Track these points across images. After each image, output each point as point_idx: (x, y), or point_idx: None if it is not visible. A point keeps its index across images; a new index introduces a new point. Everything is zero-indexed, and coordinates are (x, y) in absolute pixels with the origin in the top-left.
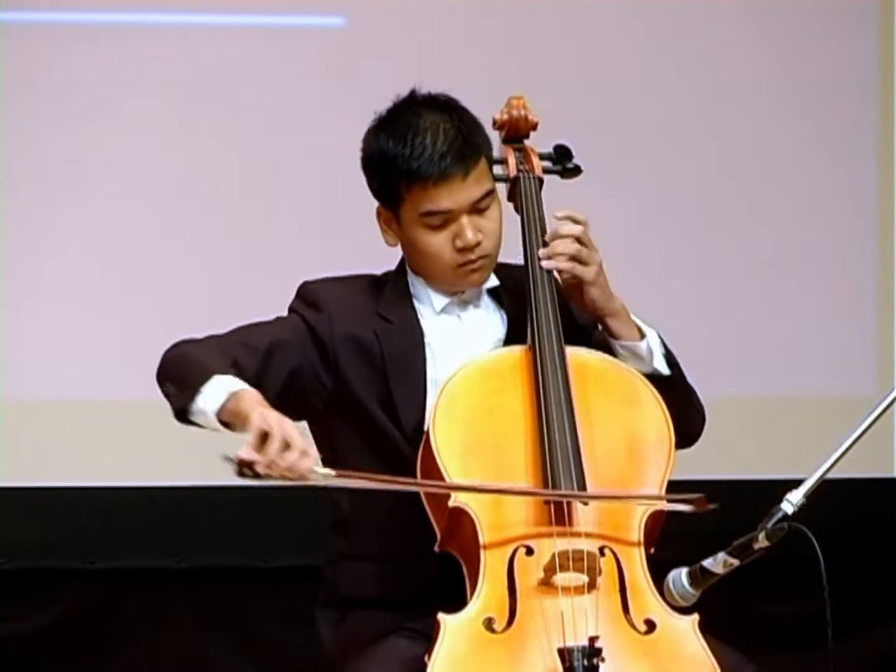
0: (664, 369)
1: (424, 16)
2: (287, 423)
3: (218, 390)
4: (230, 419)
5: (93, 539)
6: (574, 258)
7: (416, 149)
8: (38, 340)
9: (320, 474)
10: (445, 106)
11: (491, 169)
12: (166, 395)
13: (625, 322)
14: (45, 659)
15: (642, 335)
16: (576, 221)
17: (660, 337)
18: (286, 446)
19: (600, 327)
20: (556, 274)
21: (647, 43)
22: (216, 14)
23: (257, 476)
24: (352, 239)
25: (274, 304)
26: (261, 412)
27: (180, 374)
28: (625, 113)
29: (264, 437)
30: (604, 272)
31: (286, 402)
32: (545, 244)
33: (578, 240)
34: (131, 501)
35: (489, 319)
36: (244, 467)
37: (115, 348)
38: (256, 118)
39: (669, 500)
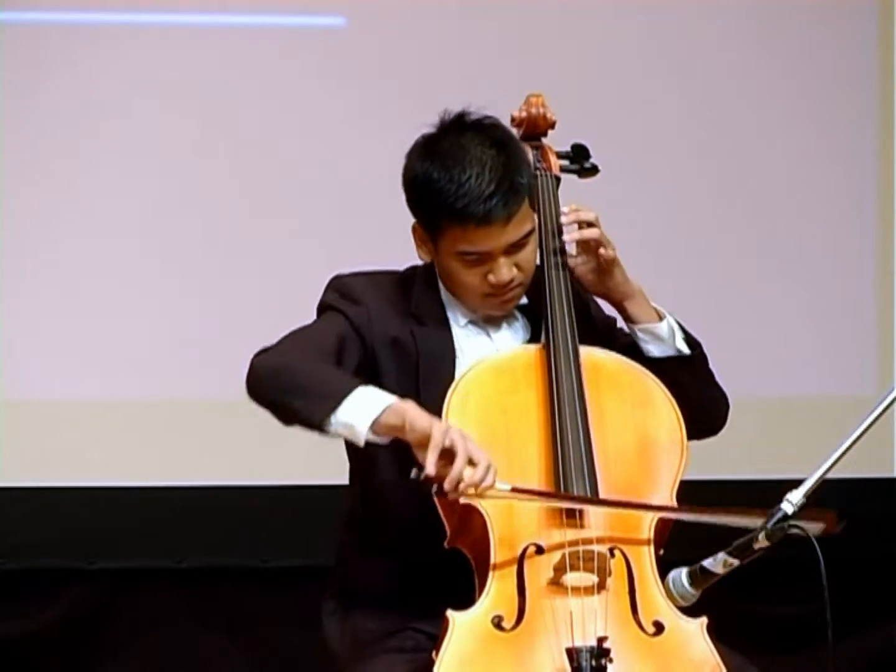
0: (686, 349)
1: (424, 16)
2: (469, 437)
3: (366, 402)
4: (386, 432)
5: (93, 539)
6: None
7: (461, 186)
8: (38, 340)
9: (499, 489)
10: (493, 137)
11: (532, 203)
12: (281, 407)
13: (644, 305)
14: (45, 659)
15: (661, 317)
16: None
17: (679, 323)
18: (471, 462)
19: (619, 323)
20: (575, 261)
21: (646, 43)
22: (216, 14)
23: (440, 493)
24: (353, 238)
25: (273, 302)
26: (440, 426)
27: (301, 386)
28: (623, 113)
29: (447, 454)
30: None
31: None
32: (559, 240)
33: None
34: (131, 501)
35: (518, 333)
36: (428, 483)
37: (114, 348)
38: (257, 118)
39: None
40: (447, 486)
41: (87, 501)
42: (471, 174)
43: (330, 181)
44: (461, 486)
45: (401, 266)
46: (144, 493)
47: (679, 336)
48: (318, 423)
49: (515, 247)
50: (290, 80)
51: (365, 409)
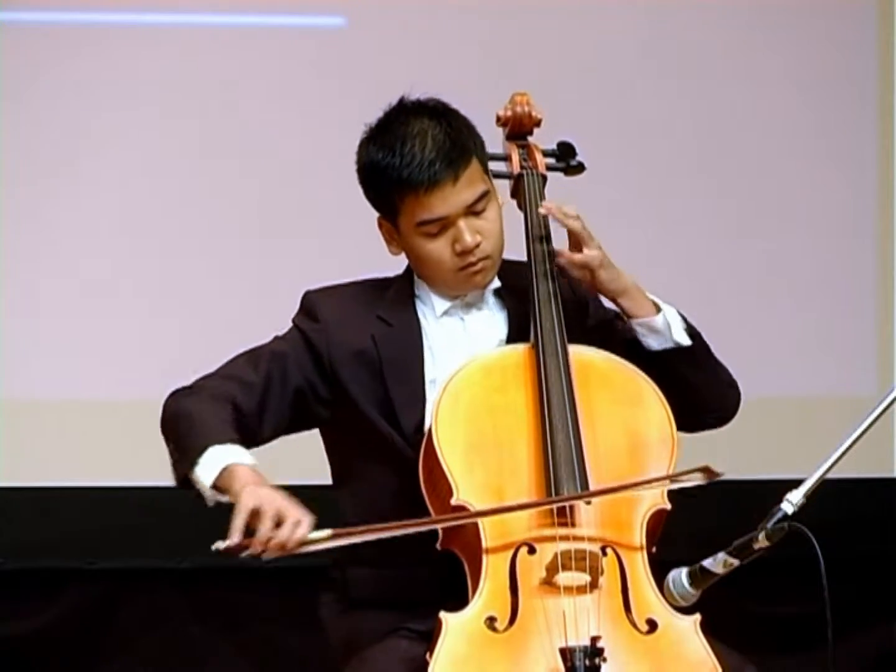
0: (685, 340)
1: (424, 16)
2: (277, 496)
3: (212, 463)
4: (224, 491)
5: (93, 539)
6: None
7: (404, 157)
8: (38, 340)
9: (317, 539)
10: (433, 111)
11: (486, 169)
12: (169, 455)
13: (638, 299)
14: (45, 659)
15: (658, 310)
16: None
17: (680, 313)
18: (278, 522)
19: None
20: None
21: (645, 43)
22: (216, 14)
23: (255, 556)
24: (352, 239)
25: (273, 302)
26: (249, 490)
27: (178, 439)
28: (623, 113)
29: (255, 515)
30: (607, 254)
31: (297, 420)
32: (547, 240)
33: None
34: (131, 501)
35: (493, 321)
36: (237, 552)
37: (115, 348)
38: (256, 118)
39: (674, 479)
40: (256, 548)
41: (87, 501)
42: (412, 145)
43: (330, 181)
44: (270, 545)
45: (403, 265)
46: (144, 493)
47: (678, 327)
48: (181, 478)
49: (474, 212)
50: (290, 80)
51: (210, 469)
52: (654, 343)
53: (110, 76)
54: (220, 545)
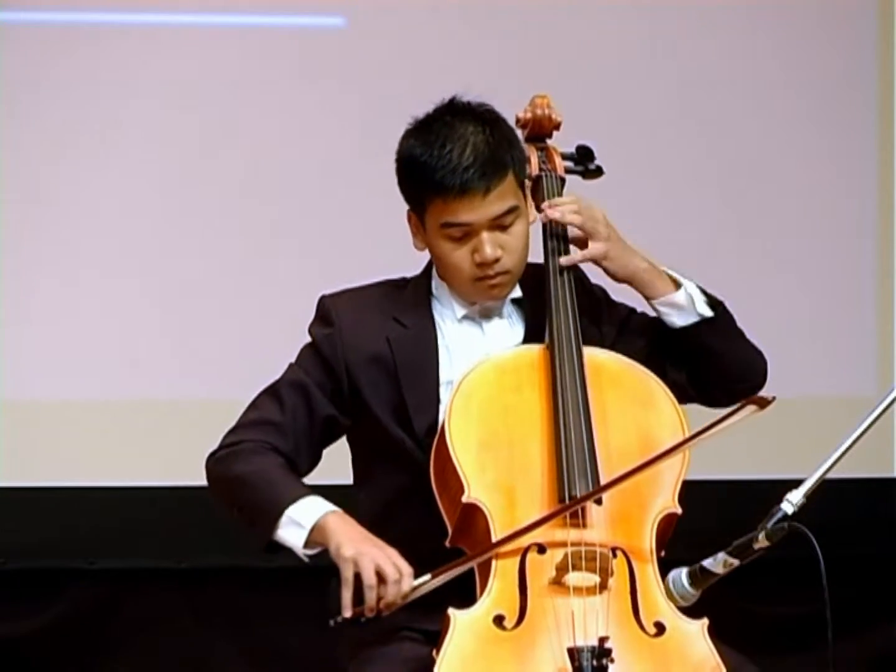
0: (707, 312)
1: (424, 16)
2: (373, 551)
3: (296, 525)
4: (317, 545)
5: (93, 539)
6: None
7: (441, 159)
8: (38, 340)
9: (421, 585)
10: (480, 118)
11: (521, 184)
12: (235, 516)
13: (656, 280)
14: (45, 659)
15: (678, 286)
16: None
17: (699, 286)
18: (381, 581)
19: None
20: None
21: (645, 43)
22: (216, 14)
23: (370, 621)
24: (352, 239)
25: (274, 304)
26: (345, 554)
27: (244, 507)
28: (623, 112)
29: (358, 579)
30: (616, 232)
31: (329, 442)
32: (564, 239)
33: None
34: (131, 501)
35: (512, 330)
36: (352, 623)
37: (115, 348)
38: (256, 118)
39: (724, 419)
40: (368, 613)
41: (87, 501)
42: (451, 148)
43: (330, 181)
44: (381, 606)
45: (402, 265)
46: (144, 493)
47: (700, 300)
48: (265, 545)
49: (499, 226)
50: (290, 81)
51: (297, 531)
52: (678, 320)
53: (110, 76)
54: (337, 620)
